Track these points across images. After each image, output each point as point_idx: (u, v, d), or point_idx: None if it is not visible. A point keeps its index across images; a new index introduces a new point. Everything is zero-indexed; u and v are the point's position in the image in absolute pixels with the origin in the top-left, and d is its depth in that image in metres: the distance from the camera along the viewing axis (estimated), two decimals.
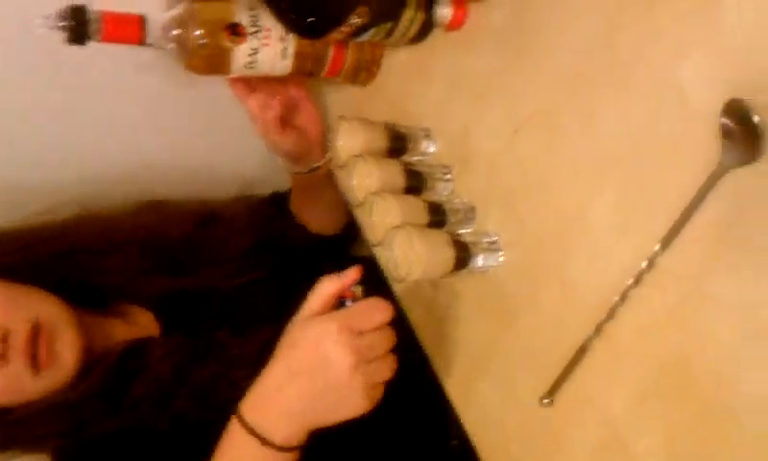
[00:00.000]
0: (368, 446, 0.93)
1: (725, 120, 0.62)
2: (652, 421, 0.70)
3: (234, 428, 0.73)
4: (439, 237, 0.84)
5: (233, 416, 0.74)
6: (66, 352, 0.88)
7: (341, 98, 1.12)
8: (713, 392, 0.65)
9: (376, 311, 0.73)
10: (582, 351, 0.75)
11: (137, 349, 0.95)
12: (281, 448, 0.72)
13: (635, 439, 0.71)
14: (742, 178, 0.63)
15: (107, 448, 0.91)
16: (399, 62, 1.02)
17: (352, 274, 0.76)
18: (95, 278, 0.99)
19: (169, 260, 1.03)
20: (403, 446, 1.03)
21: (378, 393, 0.73)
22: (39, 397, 0.87)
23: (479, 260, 0.85)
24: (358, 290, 0.77)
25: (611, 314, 0.72)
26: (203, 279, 1.03)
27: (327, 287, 0.75)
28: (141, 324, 1.01)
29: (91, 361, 0.90)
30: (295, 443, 0.73)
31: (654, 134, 0.70)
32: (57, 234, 0.98)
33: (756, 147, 0.61)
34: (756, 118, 0.60)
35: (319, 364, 0.70)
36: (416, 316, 0.97)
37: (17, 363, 0.84)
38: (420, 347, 0.95)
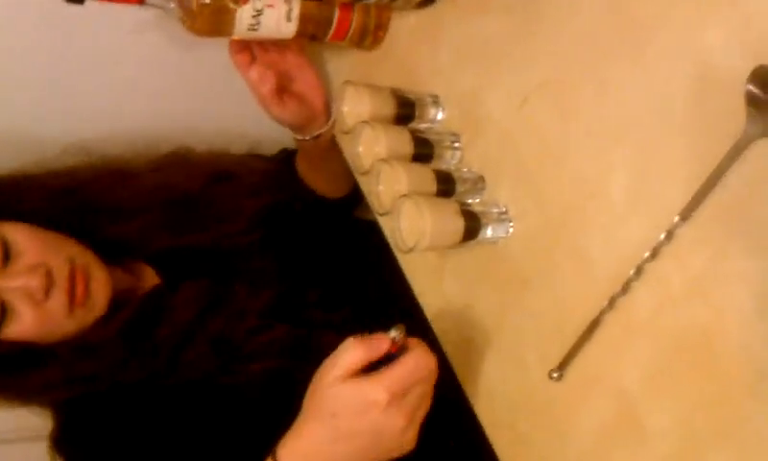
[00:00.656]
0: None
1: (751, 87, 0.60)
2: (666, 397, 0.68)
3: None
4: (448, 207, 0.81)
5: (270, 458, 0.72)
6: (99, 293, 0.90)
7: (346, 64, 1.09)
8: (733, 369, 0.63)
9: (423, 369, 0.69)
10: (594, 325, 0.73)
11: (159, 294, 0.97)
12: None
13: (648, 415, 0.69)
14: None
15: (112, 404, 0.91)
16: (407, 27, 0.99)
17: (384, 344, 0.69)
18: (112, 230, 0.99)
19: (180, 215, 1.03)
20: None
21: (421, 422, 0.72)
22: (68, 336, 0.89)
23: (489, 231, 0.83)
24: (399, 335, 0.69)
25: (625, 288, 0.71)
26: (211, 236, 1.03)
27: (363, 353, 0.69)
28: (145, 278, 1.01)
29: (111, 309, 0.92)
30: None
31: (675, 103, 0.68)
32: (79, 184, 0.99)
33: None
34: None
35: (368, 431, 0.68)
36: (420, 287, 0.95)
37: (57, 299, 0.86)
38: (425, 320, 0.93)
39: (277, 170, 1.16)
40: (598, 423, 0.73)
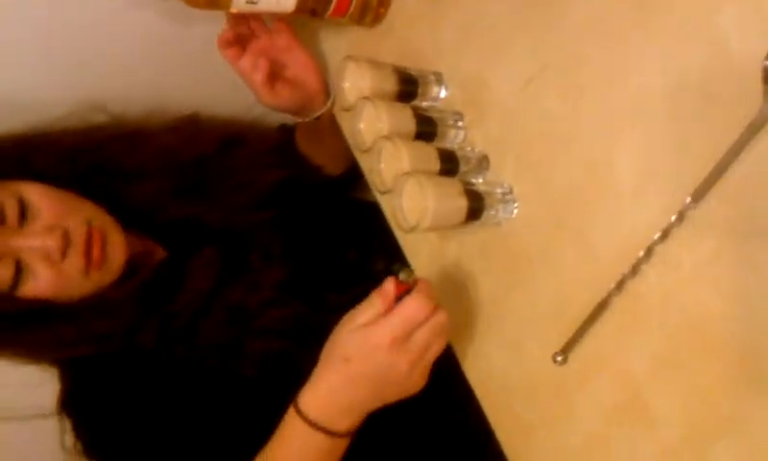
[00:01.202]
0: None
1: None
2: (673, 383, 0.67)
3: (294, 421, 0.76)
4: (451, 186, 0.79)
5: (293, 411, 0.77)
6: (115, 255, 0.90)
7: (346, 41, 1.07)
8: (743, 357, 0.62)
9: (423, 308, 0.73)
10: (601, 308, 0.72)
11: (177, 260, 0.97)
12: (347, 435, 0.77)
13: (654, 401, 0.68)
14: None
15: (121, 369, 0.92)
16: (409, 4, 0.97)
17: (391, 289, 0.74)
18: (126, 192, 0.98)
19: (193, 181, 1.02)
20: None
21: (430, 367, 0.76)
22: (84, 296, 0.89)
23: (493, 212, 0.81)
24: (406, 276, 0.75)
25: (634, 270, 0.69)
26: (224, 208, 1.02)
27: (376, 307, 0.74)
28: (154, 251, 1.00)
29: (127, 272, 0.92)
30: (356, 427, 0.78)
31: (688, 81, 0.66)
32: (94, 143, 0.99)
33: None
34: None
35: (375, 373, 0.73)
36: (422, 270, 0.93)
37: (74, 260, 0.86)
38: None
39: (284, 142, 1.15)
40: (603, 407, 0.72)
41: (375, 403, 0.77)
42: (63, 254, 0.85)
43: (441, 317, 0.74)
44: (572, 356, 0.75)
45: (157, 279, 0.94)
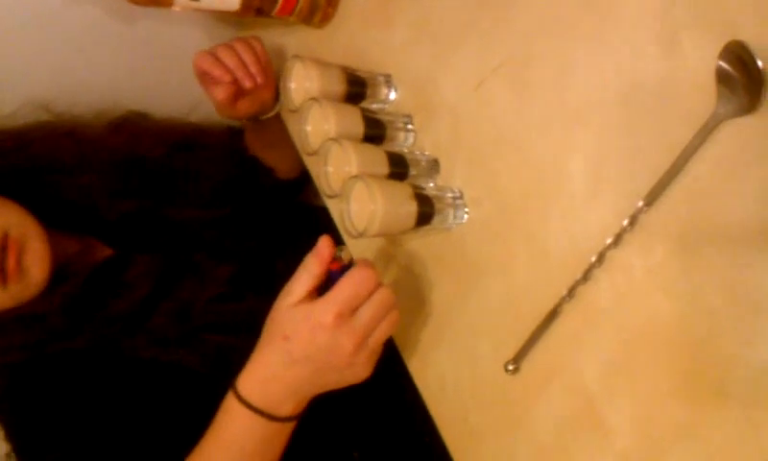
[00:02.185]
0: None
1: (723, 64, 0.57)
2: (627, 391, 0.65)
3: (234, 407, 0.72)
4: (400, 190, 0.77)
5: (232, 396, 0.72)
6: (35, 267, 0.84)
7: (294, 41, 1.04)
8: (698, 363, 0.60)
9: (365, 281, 0.69)
10: (552, 316, 0.70)
11: (111, 266, 0.92)
12: (289, 420, 0.73)
13: (607, 410, 0.66)
14: (738, 129, 0.58)
15: (57, 369, 0.87)
16: (358, 3, 0.95)
17: (327, 247, 0.70)
18: (63, 194, 0.94)
19: (138, 181, 0.99)
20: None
21: (379, 353, 0.72)
22: (4, 310, 0.84)
23: (443, 216, 0.79)
24: (344, 254, 0.71)
25: (586, 276, 0.67)
26: (171, 207, 0.99)
27: (311, 270, 0.70)
28: (95, 250, 0.95)
29: (57, 278, 0.87)
30: (299, 412, 0.73)
31: (640, 82, 0.65)
32: (30, 141, 0.94)
33: (755, 95, 0.56)
34: (759, 63, 0.55)
35: (317, 353, 0.69)
36: None
37: None
38: None
39: (234, 143, 1.12)
40: (555, 417, 0.70)
41: (319, 387, 0.72)
42: None
43: (385, 293, 0.70)
44: (524, 365, 0.73)
45: (89, 288, 0.89)
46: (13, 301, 0.84)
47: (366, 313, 0.69)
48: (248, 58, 0.94)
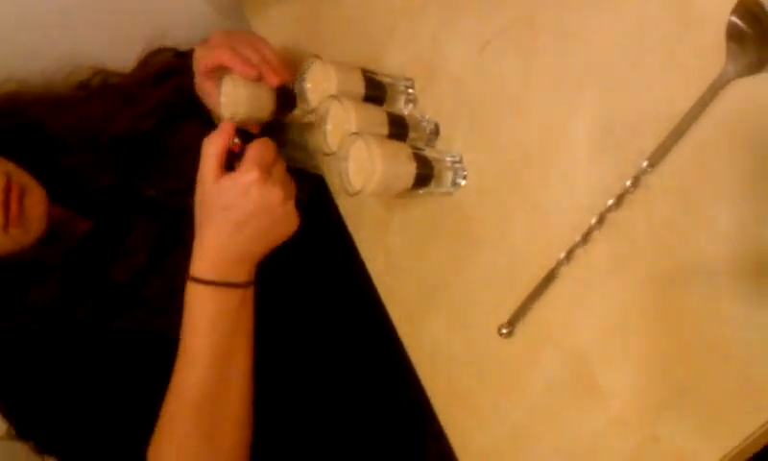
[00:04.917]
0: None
1: (735, 19, 0.56)
2: (621, 355, 0.64)
3: (196, 292, 0.77)
4: (400, 149, 0.76)
5: (191, 284, 0.77)
6: (35, 212, 0.87)
7: (297, 6, 1.03)
8: (695, 325, 0.59)
9: (269, 145, 0.78)
10: (549, 278, 0.69)
11: (104, 232, 0.94)
12: (249, 284, 0.79)
13: (601, 373, 0.65)
14: (748, 88, 0.57)
15: (53, 345, 0.88)
16: None
17: (228, 126, 0.77)
18: (48, 163, 0.94)
19: (125, 157, 0.97)
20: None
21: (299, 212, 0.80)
22: (5, 253, 0.86)
23: (441, 180, 0.78)
24: (236, 139, 0.78)
25: (585, 238, 0.66)
26: (157, 187, 0.97)
27: (216, 145, 0.76)
28: (75, 218, 0.95)
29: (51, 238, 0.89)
30: (251, 278, 0.80)
31: (646, 39, 0.64)
32: (18, 105, 0.97)
33: (766, 52, 0.55)
34: None
35: (259, 208, 0.75)
36: (364, 240, 0.89)
37: None
38: (369, 276, 0.88)
39: None
40: (549, 381, 0.69)
41: (264, 245, 0.79)
42: None
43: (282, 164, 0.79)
44: (518, 329, 0.72)
45: (84, 249, 0.90)
46: (14, 243, 0.86)
47: (279, 168, 0.78)
48: (268, 51, 0.88)
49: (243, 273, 0.78)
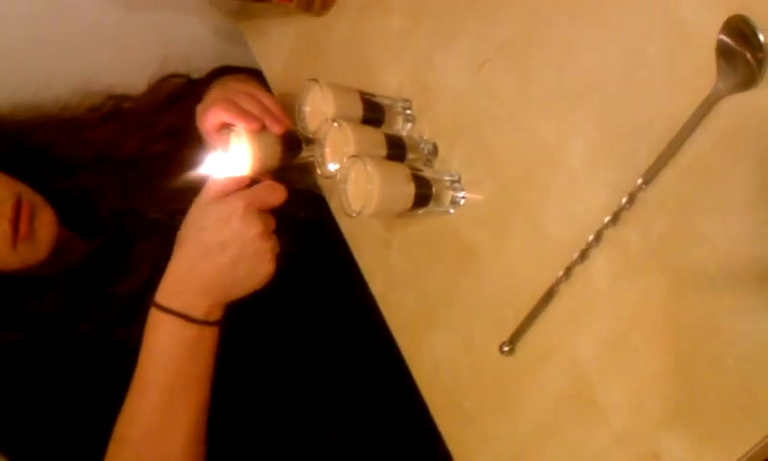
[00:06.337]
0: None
1: (724, 38, 0.57)
2: (622, 372, 0.64)
3: (155, 318, 0.77)
4: (398, 170, 0.76)
5: (152, 308, 0.77)
6: (44, 231, 0.88)
7: (294, 30, 1.04)
8: (695, 340, 0.60)
9: (275, 191, 0.78)
10: (549, 296, 0.70)
11: (110, 249, 0.94)
12: (204, 323, 0.77)
13: (602, 391, 0.65)
14: (739, 105, 0.58)
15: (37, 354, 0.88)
16: None
17: (241, 180, 0.79)
18: (62, 182, 0.95)
19: (130, 181, 0.99)
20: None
21: (277, 251, 0.79)
22: (12, 270, 0.87)
23: (440, 199, 0.78)
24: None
25: (583, 255, 0.67)
26: (161, 210, 0.97)
27: (216, 182, 0.78)
28: (76, 239, 0.95)
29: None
30: (213, 317, 0.78)
31: (640, 58, 0.65)
32: (31, 127, 0.98)
33: (757, 70, 0.56)
34: (761, 36, 0.55)
35: (231, 237, 0.75)
36: (365, 259, 0.90)
37: (1, 230, 0.84)
38: (370, 295, 0.88)
39: None
40: (550, 397, 0.69)
41: (231, 281, 0.77)
42: None
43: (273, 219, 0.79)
44: (519, 346, 0.72)
45: (88, 265, 0.91)
46: (21, 261, 0.86)
47: (271, 219, 0.78)
48: (267, 101, 0.87)
49: (203, 307, 0.77)
